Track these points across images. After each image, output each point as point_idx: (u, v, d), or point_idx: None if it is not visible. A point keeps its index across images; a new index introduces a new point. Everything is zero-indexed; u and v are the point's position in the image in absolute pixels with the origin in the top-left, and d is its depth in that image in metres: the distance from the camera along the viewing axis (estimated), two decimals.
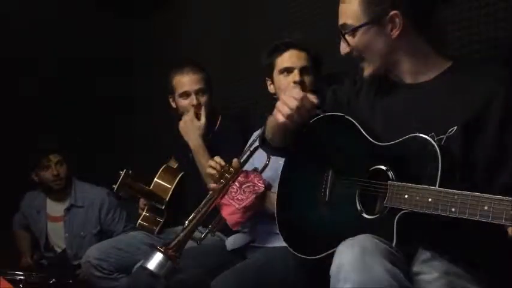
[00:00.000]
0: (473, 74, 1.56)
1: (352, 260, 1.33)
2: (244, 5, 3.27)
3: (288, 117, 1.63)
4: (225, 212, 2.12)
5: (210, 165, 2.24)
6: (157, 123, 3.86)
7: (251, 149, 2.19)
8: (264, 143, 1.94)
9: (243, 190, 2.13)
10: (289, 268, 1.85)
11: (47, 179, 3.36)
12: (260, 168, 2.19)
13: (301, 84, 2.26)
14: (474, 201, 1.29)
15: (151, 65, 3.98)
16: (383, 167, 1.55)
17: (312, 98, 1.64)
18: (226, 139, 2.67)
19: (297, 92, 1.63)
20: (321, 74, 2.38)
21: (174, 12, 3.89)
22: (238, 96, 3.16)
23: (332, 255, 1.42)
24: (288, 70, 2.30)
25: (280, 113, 1.63)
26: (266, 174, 2.19)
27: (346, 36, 1.63)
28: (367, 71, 1.67)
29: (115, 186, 2.64)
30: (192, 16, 3.76)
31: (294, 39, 2.33)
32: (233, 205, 2.12)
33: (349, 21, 1.62)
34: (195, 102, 2.72)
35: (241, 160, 2.18)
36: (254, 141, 2.22)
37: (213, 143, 2.69)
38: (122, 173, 2.62)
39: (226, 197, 2.13)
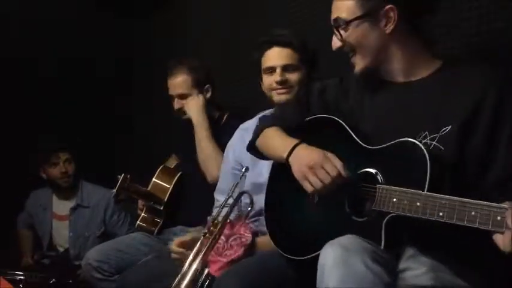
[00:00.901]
0: (465, 74, 1.55)
1: (333, 259, 1.34)
2: (244, 5, 3.27)
3: (318, 190, 1.59)
4: (213, 269, 1.95)
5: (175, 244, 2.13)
6: (157, 123, 3.86)
7: (233, 195, 2.06)
8: (253, 149, 1.93)
9: (230, 244, 2.00)
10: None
11: (54, 176, 3.37)
12: (245, 210, 2.08)
13: (283, 83, 2.20)
14: (462, 207, 1.30)
15: (152, 65, 3.98)
16: (372, 171, 1.55)
17: (345, 174, 1.57)
18: (226, 137, 2.66)
19: (331, 169, 1.55)
20: (317, 66, 2.30)
21: (174, 12, 3.89)
22: (238, 96, 3.15)
23: (317, 257, 1.43)
24: (271, 69, 2.24)
25: (310, 185, 1.59)
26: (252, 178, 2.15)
27: (340, 30, 1.61)
28: (358, 66, 1.64)
29: (114, 191, 2.64)
30: (192, 16, 3.76)
31: (277, 35, 2.24)
32: (221, 261, 1.97)
33: (343, 15, 1.60)
34: (176, 106, 2.75)
35: (226, 212, 2.02)
36: (236, 185, 2.09)
37: (216, 137, 2.69)
38: (120, 178, 2.62)
39: (212, 253, 1.97)
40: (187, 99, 2.71)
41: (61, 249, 3.42)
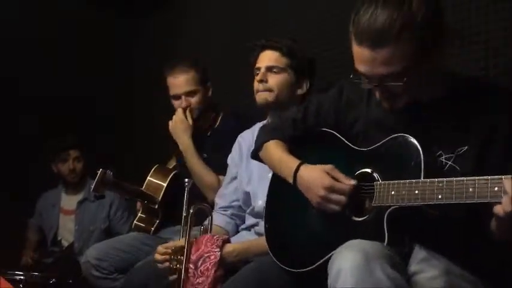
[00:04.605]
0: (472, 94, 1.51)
1: (352, 265, 1.32)
2: (244, 5, 3.27)
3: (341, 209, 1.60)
4: None
5: (159, 252, 2.09)
6: (157, 123, 3.85)
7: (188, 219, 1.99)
8: (257, 158, 1.97)
9: (200, 271, 1.90)
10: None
11: (63, 172, 3.51)
12: (207, 224, 2.04)
13: (261, 82, 2.24)
14: (459, 185, 1.32)
15: (152, 64, 3.98)
16: (368, 170, 1.56)
17: (353, 182, 1.58)
18: (224, 139, 2.64)
19: (342, 189, 1.58)
20: (311, 74, 2.30)
21: (174, 12, 3.90)
22: (238, 97, 3.16)
23: (325, 264, 1.42)
24: (257, 70, 2.29)
25: (329, 208, 1.61)
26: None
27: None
28: None
29: (92, 186, 2.62)
30: (192, 16, 3.76)
31: (268, 40, 2.29)
32: None
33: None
34: (184, 105, 2.72)
35: (185, 237, 1.95)
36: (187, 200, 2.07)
37: (212, 141, 2.69)
38: (99, 173, 2.57)
39: (189, 286, 1.89)
40: (173, 121, 2.70)
41: (65, 244, 3.44)
